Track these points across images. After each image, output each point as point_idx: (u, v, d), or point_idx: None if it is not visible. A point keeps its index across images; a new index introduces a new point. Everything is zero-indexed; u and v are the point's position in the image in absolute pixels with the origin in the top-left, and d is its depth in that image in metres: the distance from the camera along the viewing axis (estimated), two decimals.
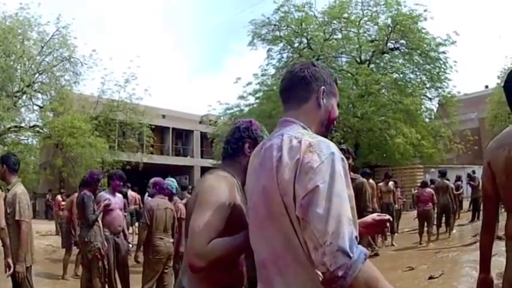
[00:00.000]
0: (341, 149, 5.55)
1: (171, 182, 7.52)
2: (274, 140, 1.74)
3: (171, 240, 6.88)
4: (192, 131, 40.18)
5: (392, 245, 12.97)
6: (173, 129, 38.90)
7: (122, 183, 7.67)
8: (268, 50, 27.12)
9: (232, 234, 2.07)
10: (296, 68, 1.97)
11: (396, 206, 14.07)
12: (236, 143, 2.41)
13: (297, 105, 1.91)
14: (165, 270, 6.80)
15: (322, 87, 1.93)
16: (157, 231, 6.64)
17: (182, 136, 41.15)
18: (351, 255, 1.45)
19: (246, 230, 2.00)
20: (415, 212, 14.60)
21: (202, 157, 39.19)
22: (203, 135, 37.48)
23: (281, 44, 26.76)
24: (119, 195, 7.76)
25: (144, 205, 9.11)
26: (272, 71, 27.58)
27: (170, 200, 7.36)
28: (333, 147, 1.64)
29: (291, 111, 1.91)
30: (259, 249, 1.78)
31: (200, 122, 40.68)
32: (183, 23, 78.48)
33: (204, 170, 35.24)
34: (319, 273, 1.50)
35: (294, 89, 1.94)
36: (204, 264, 1.99)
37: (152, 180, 7.41)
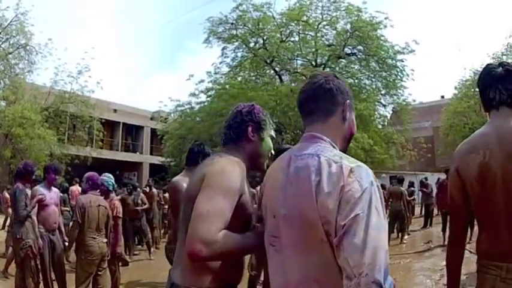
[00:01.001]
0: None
1: (107, 178, 7.20)
2: (309, 161, 1.73)
3: (105, 240, 6.51)
4: (143, 127, 39.47)
5: None
6: (124, 124, 38.17)
7: (57, 177, 7.18)
8: (223, 49, 26.69)
9: (232, 224, 1.93)
10: (320, 79, 1.96)
11: None
12: (239, 127, 2.33)
13: (323, 119, 1.91)
14: (99, 272, 6.40)
15: (348, 100, 1.95)
16: (89, 230, 6.29)
17: (132, 132, 40.38)
18: (384, 287, 1.48)
19: (258, 231, 2.01)
20: None
21: (151, 154, 38.69)
22: (153, 132, 36.81)
23: (236, 43, 26.32)
24: (55, 189, 7.32)
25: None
26: (225, 69, 27.30)
27: (106, 197, 6.98)
28: (371, 174, 1.67)
29: (316, 125, 1.91)
30: (289, 271, 1.74)
31: (151, 119, 40.00)
32: (141, 17, 77.47)
33: (153, 167, 35.38)
34: None
35: (319, 100, 1.92)
36: (210, 254, 1.82)
37: (86, 174, 6.94)
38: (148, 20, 76.45)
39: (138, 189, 13.58)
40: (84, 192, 7.13)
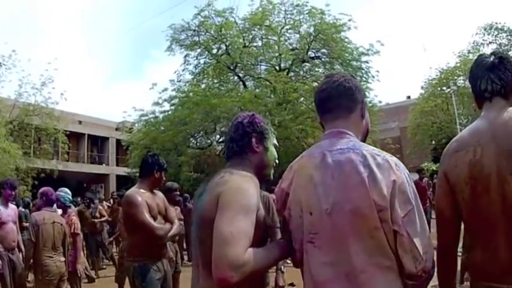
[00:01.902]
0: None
1: (64, 194, 6.82)
2: (352, 155, 1.82)
3: (63, 258, 6.17)
4: (108, 138, 38.69)
5: None
6: (89, 135, 37.42)
7: (13, 192, 6.74)
8: (186, 56, 26.30)
9: (252, 240, 1.86)
10: (339, 78, 2.05)
11: None
12: (242, 139, 2.27)
13: (345, 115, 2.00)
14: None
15: (365, 98, 2.11)
16: (45, 249, 5.94)
17: (98, 143, 39.64)
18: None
19: (281, 242, 2.04)
20: None
21: (117, 165, 37.87)
22: (119, 143, 36.14)
23: (199, 50, 25.91)
24: (12, 206, 6.88)
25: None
26: (188, 77, 26.91)
27: (64, 212, 6.69)
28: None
29: (340, 121, 2.00)
30: (341, 262, 1.79)
31: (116, 129, 39.22)
32: (103, 26, 76.34)
33: (120, 179, 34.66)
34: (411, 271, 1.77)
35: (340, 98, 2.00)
36: (240, 277, 1.75)
37: (40, 190, 6.56)
38: (111, 28, 75.35)
39: (96, 201, 13.33)
40: (38, 208, 6.82)
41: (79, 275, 6.83)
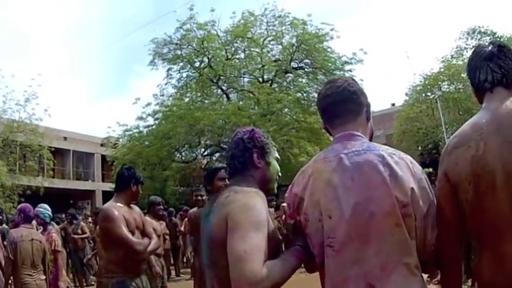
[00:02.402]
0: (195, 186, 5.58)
1: (43, 210, 6.77)
2: (369, 155, 1.88)
3: (43, 277, 5.99)
4: (93, 154, 38.29)
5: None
6: (74, 152, 37.01)
7: None
8: (168, 70, 26.03)
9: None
10: (343, 83, 2.11)
11: None
12: (243, 155, 2.24)
13: (353, 118, 2.04)
14: None
15: (368, 101, 2.14)
16: (24, 267, 5.80)
17: (83, 159, 39.14)
18: None
19: (296, 249, 2.00)
20: None
21: (103, 181, 37.38)
22: (104, 159, 35.58)
23: (181, 63, 25.73)
24: None
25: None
26: (171, 90, 26.70)
27: (44, 229, 6.65)
28: None
29: (349, 124, 2.04)
30: (363, 261, 1.81)
31: (102, 145, 38.88)
32: (86, 41, 75.70)
33: (106, 195, 34.28)
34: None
35: (346, 102, 2.05)
36: None
37: (18, 206, 6.52)
38: (94, 43, 74.77)
39: (80, 218, 13.27)
40: (15, 225, 6.66)
41: None
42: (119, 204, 4.42)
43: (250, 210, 1.94)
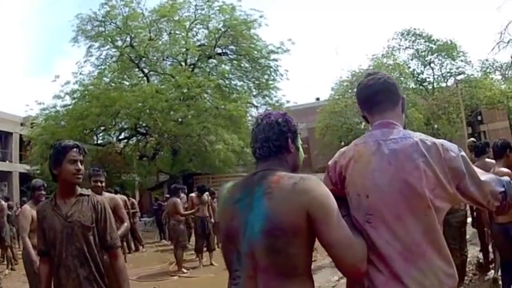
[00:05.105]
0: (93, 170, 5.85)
1: None
2: (405, 143, 2.08)
3: None
4: (12, 133, 36.31)
5: (211, 264, 11.18)
6: None
7: None
8: (89, 47, 25.04)
9: None
10: (383, 75, 2.33)
11: (213, 219, 12.10)
12: (278, 139, 2.17)
13: (391, 108, 2.25)
14: None
15: (403, 95, 2.38)
16: None
17: (1, 138, 37.15)
18: None
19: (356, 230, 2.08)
20: None
21: (21, 162, 35.67)
22: (22, 138, 34.17)
23: (103, 41, 24.77)
24: None
25: None
26: (90, 69, 25.68)
27: None
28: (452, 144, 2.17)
29: (388, 113, 2.24)
30: (396, 239, 2.00)
31: (22, 124, 37.23)
32: (14, 19, 72.67)
33: (23, 176, 32.86)
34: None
35: (387, 92, 2.26)
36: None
37: None
38: (21, 19, 71.83)
39: None
40: None
41: None
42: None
43: (330, 197, 2.00)
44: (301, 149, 2.31)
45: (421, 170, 1.99)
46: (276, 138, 2.19)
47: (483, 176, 2.11)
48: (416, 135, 2.12)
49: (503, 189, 2.09)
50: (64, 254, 3.09)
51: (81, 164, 3.23)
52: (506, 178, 2.16)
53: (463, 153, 2.10)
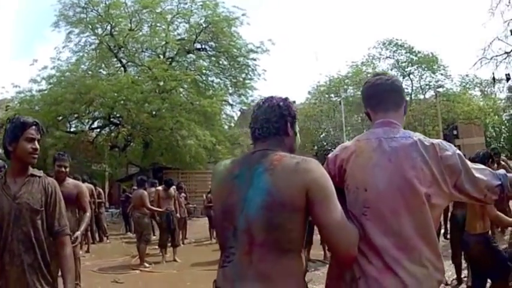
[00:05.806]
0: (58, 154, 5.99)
1: None
2: (405, 141, 2.19)
3: None
4: None
5: (174, 260, 11.04)
6: None
7: None
8: (69, 33, 24.78)
9: None
10: (391, 77, 2.46)
11: (179, 214, 12.30)
12: (278, 121, 2.26)
13: (395, 108, 2.36)
14: None
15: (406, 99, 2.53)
16: None
17: None
18: None
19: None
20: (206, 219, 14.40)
21: None
22: None
23: (83, 27, 24.58)
24: None
25: None
26: (69, 55, 25.49)
27: None
28: (449, 143, 2.28)
29: (390, 113, 2.34)
30: (392, 232, 2.09)
31: None
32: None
33: None
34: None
35: (393, 93, 2.37)
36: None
37: None
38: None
39: None
40: None
41: None
42: None
43: (330, 180, 2.08)
44: (298, 135, 2.38)
45: (418, 168, 2.10)
46: (276, 120, 2.27)
47: (477, 171, 2.20)
48: (416, 135, 2.22)
49: (499, 182, 2.18)
50: (10, 237, 2.91)
51: (38, 143, 3.04)
52: (502, 171, 2.26)
53: (459, 151, 2.20)
